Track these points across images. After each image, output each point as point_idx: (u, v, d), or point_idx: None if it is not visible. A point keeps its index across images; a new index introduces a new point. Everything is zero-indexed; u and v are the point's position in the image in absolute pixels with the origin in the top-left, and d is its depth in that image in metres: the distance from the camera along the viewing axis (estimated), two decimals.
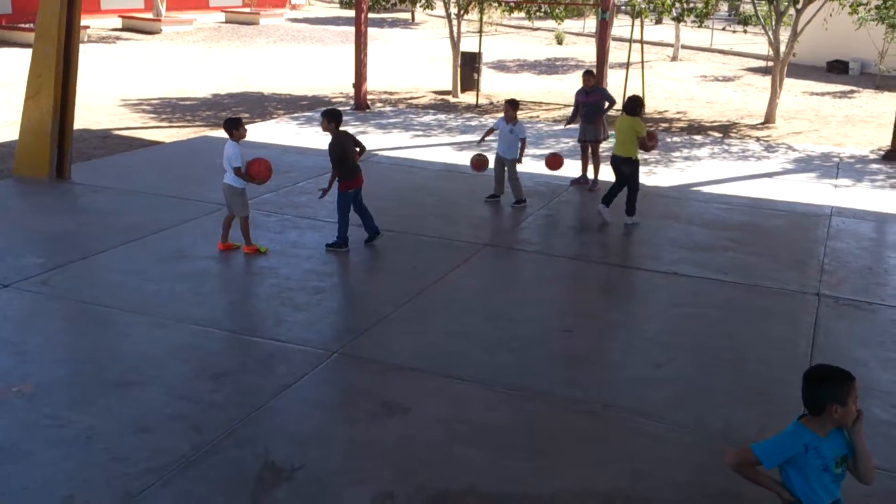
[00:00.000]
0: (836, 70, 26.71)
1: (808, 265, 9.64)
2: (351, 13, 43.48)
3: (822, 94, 23.29)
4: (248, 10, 37.47)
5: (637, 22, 18.36)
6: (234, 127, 9.15)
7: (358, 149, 9.49)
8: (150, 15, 32.36)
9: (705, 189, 12.86)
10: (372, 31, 34.89)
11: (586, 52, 30.95)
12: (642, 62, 19.01)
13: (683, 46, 30.42)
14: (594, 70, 12.81)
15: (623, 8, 19.09)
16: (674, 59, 28.95)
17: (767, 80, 25.67)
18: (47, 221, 10.30)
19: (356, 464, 5.61)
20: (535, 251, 9.97)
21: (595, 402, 6.45)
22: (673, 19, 19.90)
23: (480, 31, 19.30)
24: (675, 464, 5.71)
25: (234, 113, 18.20)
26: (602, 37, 16.53)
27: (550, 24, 33.49)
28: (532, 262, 9.67)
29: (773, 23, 18.51)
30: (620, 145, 10.67)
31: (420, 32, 37.05)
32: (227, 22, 36.52)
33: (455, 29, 20.66)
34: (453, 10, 20.64)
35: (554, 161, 11.78)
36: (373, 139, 15.41)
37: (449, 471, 5.55)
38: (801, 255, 10.00)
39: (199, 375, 6.69)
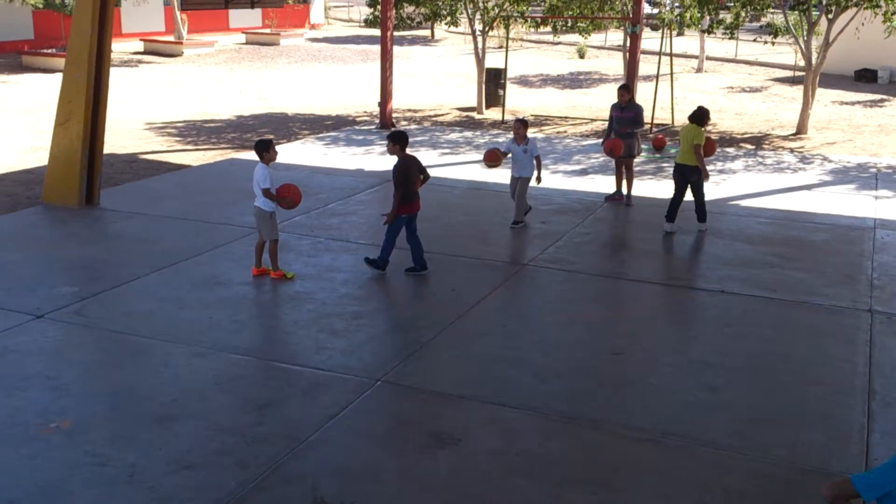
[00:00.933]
0: (865, 79, 26.37)
1: (856, 280, 9.35)
2: (370, 32, 43.77)
3: (853, 103, 22.95)
4: (268, 30, 37.58)
5: (666, 34, 18.14)
6: (265, 149, 9.01)
7: (422, 176, 9.38)
8: (171, 38, 32.49)
9: (744, 203, 12.59)
10: (394, 50, 34.92)
11: (609, 66, 30.75)
12: (671, 74, 18.80)
13: (708, 58, 30.16)
14: (629, 85, 12.55)
15: (648, 22, 18.86)
16: (699, 70, 28.69)
17: (795, 90, 25.43)
18: (79, 249, 10.18)
19: (410, 498, 5.39)
20: (575, 270, 9.73)
21: (654, 430, 6.20)
22: (703, 31, 19.65)
23: (507, 47, 19.16)
24: (744, 495, 5.45)
25: (259, 134, 18.12)
26: (633, 50, 16.32)
27: (571, 38, 33.37)
28: (572, 282, 9.43)
29: (805, 33, 18.23)
30: (686, 154, 10.72)
31: (440, 49, 36.99)
32: (247, 43, 36.63)
33: (480, 45, 20.50)
34: (478, 26, 20.50)
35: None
36: None
37: None
38: (849, 269, 9.71)
39: (241, 408, 6.50)
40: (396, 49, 34.37)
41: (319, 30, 44.90)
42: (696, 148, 10.55)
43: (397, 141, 9.18)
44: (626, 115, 12.05)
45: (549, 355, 7.50)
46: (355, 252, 10.24)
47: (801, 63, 26.88)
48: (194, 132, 18.43)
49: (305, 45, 36.75)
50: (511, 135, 11.54)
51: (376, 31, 43.27)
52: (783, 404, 6.63)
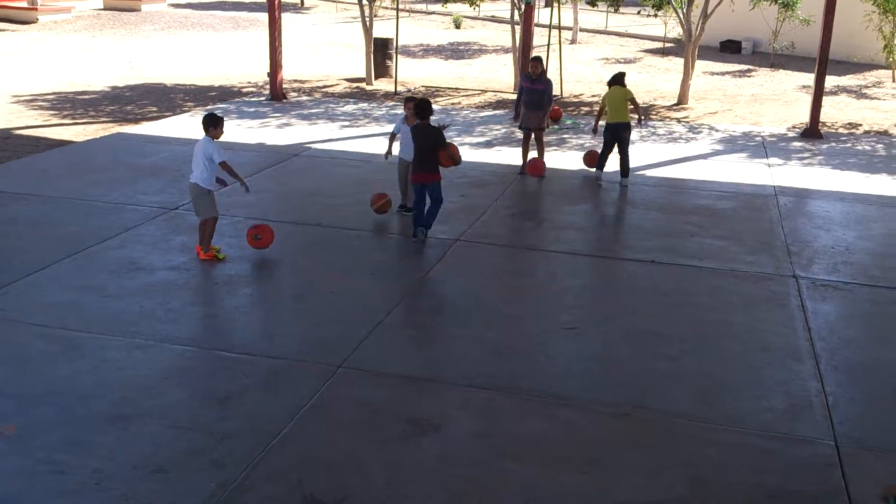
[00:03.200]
0: (730, 50, 27.48)
1: (773, 247, 9.74)
2: None
3: (723, 73, 23.90)
4: None
5: (554, 6, 18.30)
6: (214, 125, 8.57)
7: (449, 154, 9.34)
8: (24, 3, 30.27)
9: (649, 173, 12.89)
10: (263, 17, 33.75)
11: (486, 36, 30.85)
12: (560, 46, 19.00)
13: (581, 29, 30.71)
14: (541, 57, 12.56)
15: None
16: (573, 42, 29.17)
17: (666, 61, 26.27)
18: None
19: (403, 490, 5.23)
20: (506, 244, 9.71)
21: (625, 404, 6.26)
22: (588, 3, 19.93)
23: (398, 17, 18.84)
24: (727, 465, 5.57)
25: (140, 107, 17.20)
26: (527, 23, 16.35)
27: (441, 7, 33.27)
28: (507, 257, 9.41)
29: (685, 5, 18.79)
30: (617, 113, 11.81)
31: (312, 17, 36.10)
32: (105, 9, 34.58)
33: (368, 15, 20.08)
34: None
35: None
36: (300, 132, 14.80)
37: (506, 490, 5.24)
38: (763, 236, 10.10)
39: (201, 402, 6.13)
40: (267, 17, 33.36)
41: None
42: (633, 101, 11.88)
43: (414, 107, 9.46)
44: (536, 86, 12.06)
45: (503, 332, 7.45)
46: (279, 231, 9.85)
47: (671, 35, 27.86)
48: (69, 105, 17.27)
49: (169, 12, 35.06)
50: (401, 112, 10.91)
51: None
52: (739, 372, 6.83)
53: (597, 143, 13.44)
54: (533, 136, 12.45)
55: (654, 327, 7.58)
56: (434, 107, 16.32)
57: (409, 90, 19.51)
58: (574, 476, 5.39)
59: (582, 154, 12.95)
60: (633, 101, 11.99)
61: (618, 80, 12.06)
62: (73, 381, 6.36)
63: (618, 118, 11.84)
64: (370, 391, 6.37)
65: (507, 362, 6.89)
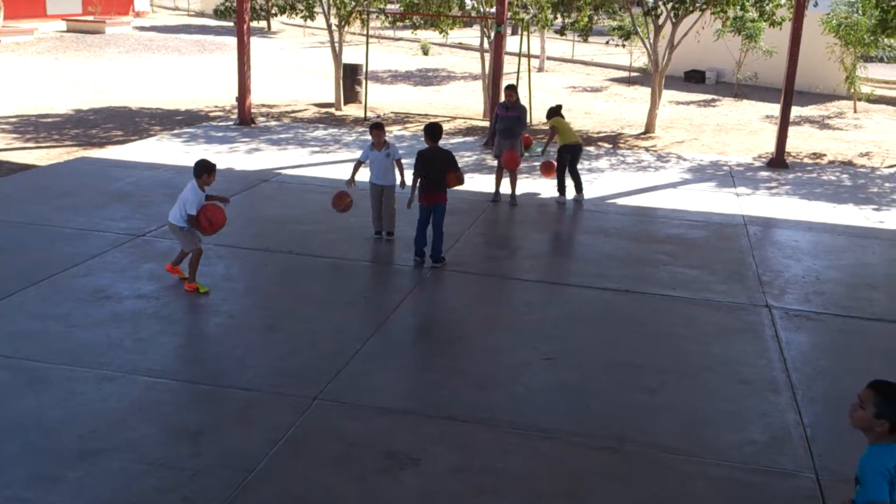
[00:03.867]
0: (694, 79, 27.85)
1: (745, 276, 9.78)
2: (201, 21, 42.10)
3: (688, 103, 24.18)
4: (91, 17, 35.28)
5: (523, 35, 18.40)
6: (207, 172, 8.42)
7: (455, 175, 9.62)
8: None
9: (620, 201, 12.93)
10: (229, 41, 33.61)
11: (454, 63, 30.97)
12: (529, 73, 19.11)
13: (548, 58, 30.95)
14: (515, 85, 12.57)
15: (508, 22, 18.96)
16: (540, 69, 29.37)
17: (632, 90, 26.54)
18: None
19: None
20: (480, 273, 9.64)
21: (607, 437, 6.19)
22: (557, 32, 20.07)
23: (367, 43, 18.81)
24: (711, 499, 5.52)
25: (105, 130, 16.95)
26: (497, 50, 16.41)
27: (409, 33, 33.37)
28: (481, 286, 9.34)
29: (652, 36, 19.00)
30: (573, 135, 12.75)
31: (279, 42, 35.99)
32: (69, 31, 34.25)
33: (337, 40, 20.04)
34: (334, 20, 20.02)
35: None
36: (270, 157, 14.67)
37: None
38: (735, 265, 10.14)
39: (171, 437, 5.95)
40: (234, 41, 33.15)
41: (145, 18, 42.66)
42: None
43: (427, 132, 9.63)
44: (511, 114, 12.08)
45: (480, 363, 7.36)
46: (247, 258, 9.71)
47: (637, 64, 28.18)
48: (31, 128, 16.96)
49: (134, 34, 34.79)
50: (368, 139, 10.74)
51: (207, 21, 41.89)
52: (718, 404, 6.80)
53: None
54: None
55: (632, 358, 7.54)
56: (404, 132, 16.35)
57: (378, 115, 19.47)
58: None
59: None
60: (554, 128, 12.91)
61: (559, 111, 12.99)
62: (39, 413, 6.15)
63: (574, 139, 12.69)
64: (347, 424, 6.24)
65: (486, 394, 6.79)
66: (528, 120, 12.38)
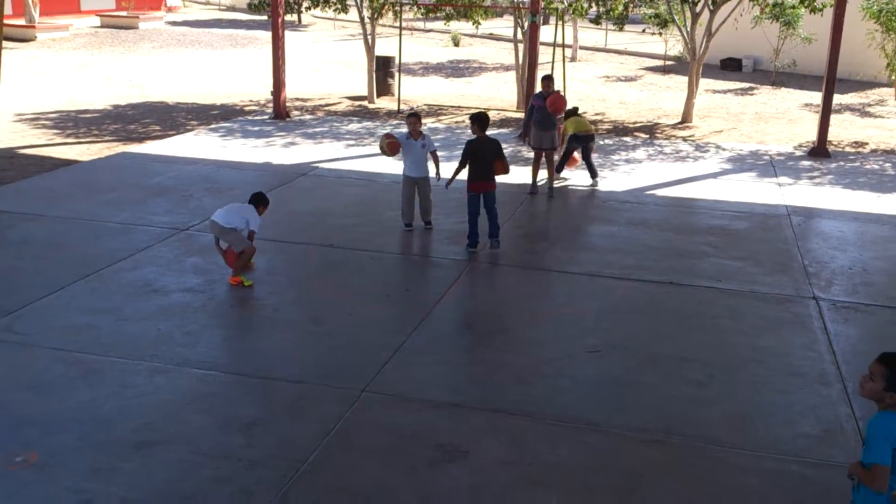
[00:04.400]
0: (730, 67, 27.55)
1: (791, 268, 9.67)
2: (232, 15, 42.32)
3: (724, 91, 23.93)
4: (125, 13, 35.59)
5: (558, 24, 18.27)
6: (263, 204, 8.90)
7: (502, 163, 9.75)
8: (22, 21, 30.22)
9: (660, 192, 12.84)
10: (261, 34, 33.81)
11: (485, 54, 30.89)
12: (564, 64, 18.96)
13: (581, 47, 30.78)
14: (552, 75, 12.52)
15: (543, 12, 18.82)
16: (573, 59, 29.20)
17: (668, 79, 26.31)
18: None
19: None
20: (521, 265, 9.63)
21: (655, 430, 6.16)
22: (592, 21, 19.95)
23: (400, 35, 18.83)
24: (765, 493, 5.48)
25: (143, 126, 17.12)
26: (532, 40, 16.34)
27: (442, 25, 33.30)
28: (522, 278, 9.32)
29: (689, 24, 18.81)
30: (584, 126, 12.94)
31: (310, 35, 36.10)
32: (103, 26, 34.59)
33: (370, 33, 20.07)
34: (366, 13, 20.04)
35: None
36: (306, 151, 14.73)
37: None
38: (780, 257, 10.03)
39: (224, 428, 6.02)
40: (265, 35, 33.37)
41: (177, 13, 42.95)
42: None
43: (476, 121, 9.70)
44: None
45: (525, 356, 7.36)
46: (289, 252, 9.77)
47: (671, 53, 27.94)
48: (71, 124, 17.17)
49: (167, 29, 35.07)
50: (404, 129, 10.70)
51: (238, 15, 42.12)
52: (768, 397, 6.74)
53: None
54: (544, 155, 12.41)
55: (679, 351, 7.50)
56: (437, 125, 16.33)
57: (411, 108, 19.48)
58: None
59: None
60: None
61: (575, 113, 13.20)
62: (93, 406, 6.24)
63: (585, 129, 12.92)
64: (395, 416, 6.27)
65: (532, 387, 6.79)
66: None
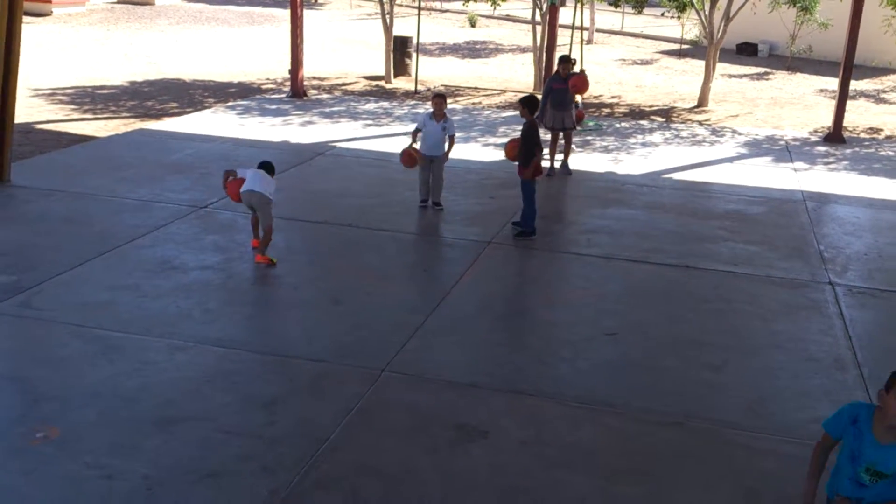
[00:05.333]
0: (746, 52, 27.37)
1: (807, 253, 9.66)
2: None
3: (740, 76, 23.80)
4: None
5: (577, 6, 18.19)
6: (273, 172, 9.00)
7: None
8: None
9: (676, 176, 12.82)
10: (277, 12, 33.76)
11: (502, 35, 30.77)
12: (582, 46, 18.90)
13: (597, 30, 30.61)
14: (569, 56, 12.49)
15: None
16: (589, 42, 29.04)
17: (683, 63, 26.17)
18: (2, 233, 9.28)
19: (458, 500, 5.17)
20: (537, 248, 9.64)
21: (674, 413, 6.20)
22: (610, 4, 19.85)
23: (419, 15, 18.77)
24: (783, 477, 5.50)
25: (160, 102, 17.15)
26: (552, 22, 16.27)
27: (458, 5, 33.17)
28: (539, 260, 9.34)
29: (707, 7, 18.69)
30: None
31: (326, 13, 36.00)
32: (119, 2, 34.54)
33: (388, 12, 20.00)
34: None
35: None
36: (323, 130, 14.74)
37: (559, 500, 5.19)
38: (795, 242, 10.02)
39: (246, 406, 6.08)
40: (282, 13, 33.36)
41: None
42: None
43: (527, 105, 9.57)
44: (565, 86, 12.00)
45: (543, 338, 7.39)
46: (308, 231, 9.81)
47: (688, 36, 27.77)
48: (88, 99, 17.21)
49: (183, 6, 35.02)
50: (429, 108, 10.75)
51: None
52: (785, 381, 6.76)
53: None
54: (561, 135, 12.39)
55: (696, 335, 7.52)
56: (455, 106, 16.31)
57: (428, 89, 19.44)
58: (629, 488, 5.34)
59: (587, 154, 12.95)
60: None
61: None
62: (114, 382, 6.30)
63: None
64: (415, 396, 6.32)
65: (551, 368, 6.83)
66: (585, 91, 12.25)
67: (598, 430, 5.97)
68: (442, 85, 20.25)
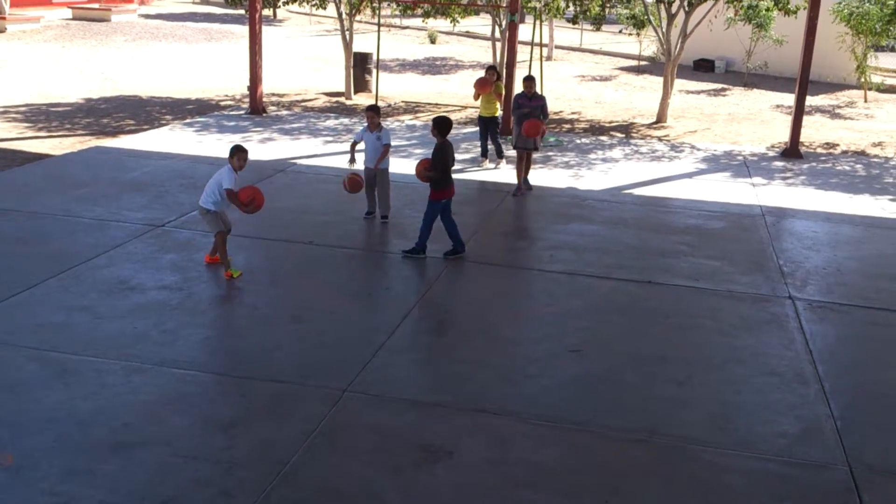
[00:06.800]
0: (703, 68, 27.73)
1: (766, 268, 9.75)
2: (206, 9, 41.92)
3: (698, 92, 24.09)
4: (97, 6, 35.13)
5: (536, 23, 18.28)
6: (240, 151, 8.80)
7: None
8: None
9: (637, 192, 12.89)
10: (235, 28, 33.55)
11: (462, 52, 30.86)
12: (542, 62, 19.00)
13: (556, 46, 30.84)
14: (533, 76, 12.52)
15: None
16: (548, 58, 29.24)
17: (642, 79, 26.43)
18: None
19: None
20: (502, 264, 9.62)
21: (639, 430, 6.18)
22: (569, 21, 19.98)
23: (379, 32, 18.70)
24: (747, 493, 5.51)
25: (116, 119, 16.89)
26: (511, 39, 16.34)
27: (417, 22, 33.24)
28: (503, 277, 9.31)
29: (664, 25, 18.91)
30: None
31: (285, 30, 35.85)
32: (75, 19, 34.10)
33: (347, 28, 19.95)
34: (344, 9, 19.93)
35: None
36: (283, 147, 14.62)
37: None
38: (755, 257, 10.11)
39: (204, 429, 5.95)
40: (240, 28, 33.15)
41: (150, 5, 42.47)
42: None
43: (438, 126, 9.36)
44: (533, 103, 12.04)
45: (507, 355, 7.36)
46: (269, 249, 9.69)
47: (646, 53, 28.08)
48: (42, 117, 16.91)
49: (140, 22, 34.66)
50: (365, 123, 10.96)
51: (212, 9, 41.77)
52: (748, 396, 6.79)
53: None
54: (526, 154, 12.38)
55: (659, 350, 7.53)
56: (415, 122, 16.29)
57: (389, 105, 19.41)
58: None
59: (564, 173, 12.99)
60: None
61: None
62: (70, 406, 6.14)
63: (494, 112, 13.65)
64: (378, 416, 6.23)
65: (515, 386, 6.78)
66: (542, 116, 12.26)
67: (563, 448, 5.93)
68: (402, 101, 20.23)
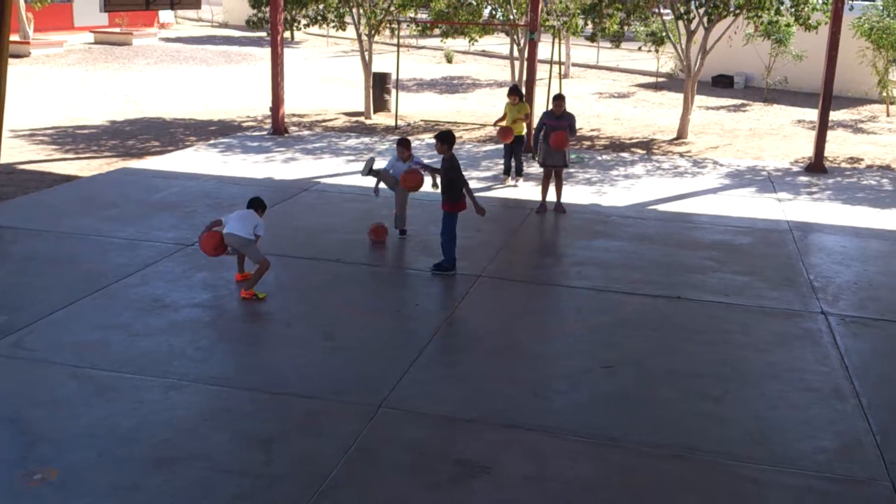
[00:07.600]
0: (722, 84, 27.73)
1: (797, 283, 9.72)
2: (225, 32, 42.36)
3: (717, 108, 24.09)
4: (118, 30, 35.56)
5: (555, 42, 18.39)
6: (263, 208, 9.01)
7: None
8: (16, 37, 30.13)
9: (661, 208, 12.89)
10: (254, 51, 33.87)
11: (479, 71, 31.01)
12: (560, 80, 19.09)
13: (573, 64, 30.93)
14: (562, 94, 12.54)
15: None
16: (565, 76, 29.32)
17: (660, 95, 26.47)
18: None
19: None
20: (528, 280, 9.65)
21: (675, 446, 6.17)
22: (587, 39, 20.08)
23: (398, 52, 18.91)
24: None
25: (141, 141, 17.07)
26: (531, 57, 16.43)
27: (435, 42, 33.44)
28: (531, 293, 9.33)
29: (683, 41, 18.95)
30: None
31: (303, 51, 36.17)
32: (96, 43, 34.54)
33: (367, 49, 20.12)
34: (363, 30, 20.10)
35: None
36: (306, 167, 14.73)
37: None
38: (785, 272, 10.08)
39: (243, 445, 5.99)
40: (259, 51, 33.49)
41: (170, 29, 42.96)
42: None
43: (445, 141, 9.43)
44: (561, 123, 12.05)
45: (538, 371, 7.36)
46: (297, 267, 9.75)
47: (663, 69, 28.13)
48: (69, 139, 17.12)
49: (160, 46, 35.05)
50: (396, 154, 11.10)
51: (231, 32, 42.19)
52: (785, 412, 6.76)
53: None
54: (553, 172, 12.36)
55: (692, 366, 7.52)
56: (432, 141, 16.39)
57: (408, 124, 19.52)
58: None
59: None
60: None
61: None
62: (111, 422, 6.20)
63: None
64: (414, 432, 6.25)
65: (548, 402, 6.79)
66: (570, 132, 12.24)
67: (599, 464, 5.92)
68: (421, 120, 20.34)
